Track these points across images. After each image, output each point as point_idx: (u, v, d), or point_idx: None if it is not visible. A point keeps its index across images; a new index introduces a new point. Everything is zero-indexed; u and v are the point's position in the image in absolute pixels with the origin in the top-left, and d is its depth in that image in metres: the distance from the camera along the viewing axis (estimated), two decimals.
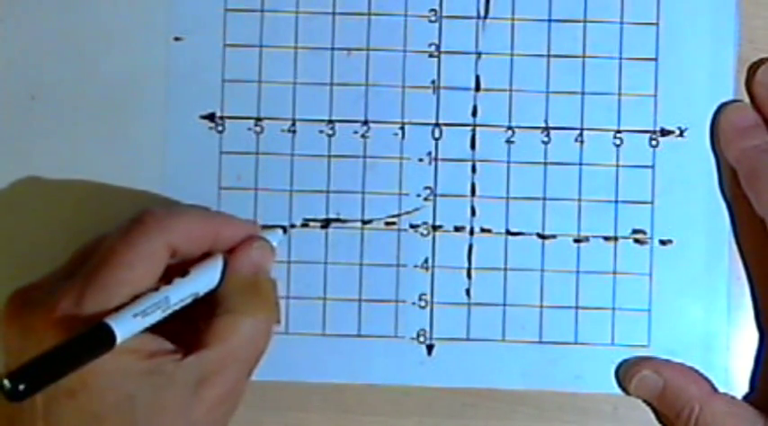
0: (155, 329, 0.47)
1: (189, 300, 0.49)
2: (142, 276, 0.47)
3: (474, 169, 0.55)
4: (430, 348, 0.55)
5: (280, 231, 0.54)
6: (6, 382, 0.42)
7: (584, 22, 0.55)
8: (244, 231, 0.51)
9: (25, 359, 0.43)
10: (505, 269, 0.55)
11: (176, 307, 0.48)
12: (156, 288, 0.48)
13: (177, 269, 0.49)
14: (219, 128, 0.55)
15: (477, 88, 0.55)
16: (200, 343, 0.48)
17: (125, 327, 0.45)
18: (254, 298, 0.50)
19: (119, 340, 0.45)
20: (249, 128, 0.55)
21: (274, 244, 0.52)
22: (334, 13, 0.55)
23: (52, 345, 0.44)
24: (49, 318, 0.46)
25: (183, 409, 0.47)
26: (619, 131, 0.55)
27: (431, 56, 0.55)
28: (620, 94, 0.55)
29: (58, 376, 0.43)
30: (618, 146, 0.55)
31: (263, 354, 0.50)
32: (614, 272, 0.54)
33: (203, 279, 0.49)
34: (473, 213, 0.55)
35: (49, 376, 0.43)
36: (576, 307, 0.55)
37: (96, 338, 0.45)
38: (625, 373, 0.54)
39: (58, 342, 0.44)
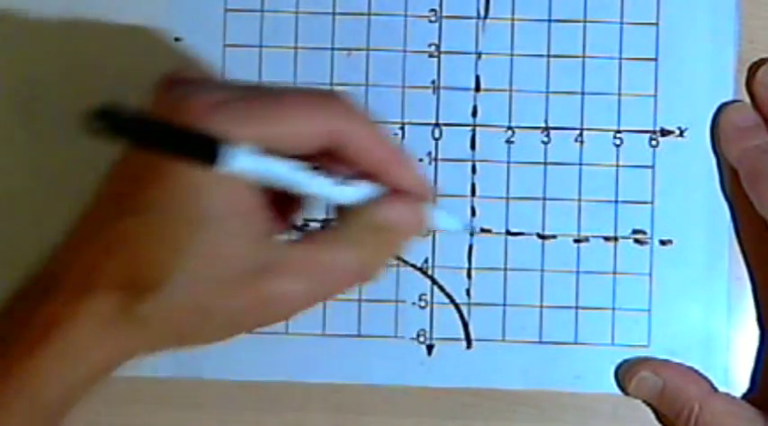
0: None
1: (323, 201, 0.46)
2: (301, 139, 0.43)
3: (474, 169, 0.55)
4: (430, 348, 0.55)
5: (459, 223, 0.51)
6: (94, 111, 0.40)
7: (584, 22, 0.55)
8: (418, 186, 0.46)
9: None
10: (505, 269, 0.55)
11: (305, 193, 0.44)
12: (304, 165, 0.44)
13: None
14: None
15: (477, 88, 0.55)
16: (307, 238, 0.45)
17: (241, 161, 0.42)
18: (379, 253, 0.45)
19: (222, 167, 0.41)
20: None
21: (445, 226, 0.49)
22: (334, 13, 0.55)
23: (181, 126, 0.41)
24: (200, 105, 0.42)
25: (238, 279, 0.43)
26: (619, 131, 0.55)
27: (431, 56, 0.55)
28: (620, 94, 0.55)
29: (139, 139, 0.41)
30: (618, 146, 0.55)
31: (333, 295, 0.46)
32: (614, 272, 0.55)
33: (350, 196, 0.45)
34: (473, 213, 0.55)
35: (134, 133, 0.41)
36: (576, 307, 0.55)
37: (202, 144, 0.41)
38: (624, 374, 0.54)
39: (180, 124, 0.41)
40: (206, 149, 0.42)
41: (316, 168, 0.44)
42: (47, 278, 0.45)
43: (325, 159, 0.44)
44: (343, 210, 0.45)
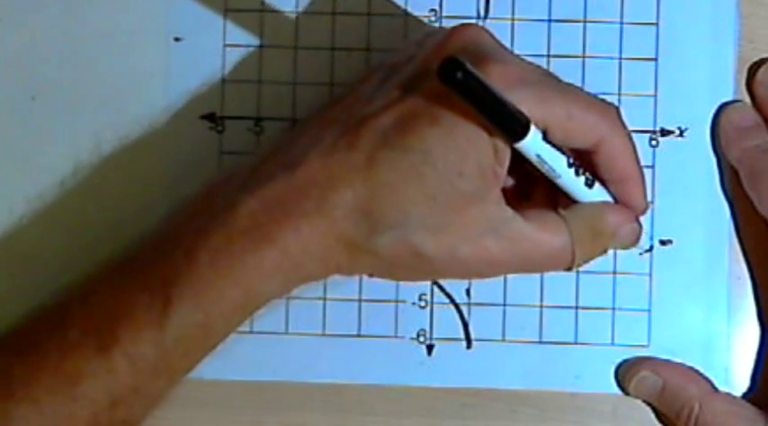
0: None
1: (568, 190, 0.49)
2: (582, 135, 0.48)
3: None
4: (430, 348, 0.55)
5: (648, 242, 0.54)
6: (451, 62, 0.42)
7: (584, 22, 0.55)
8: (642, 205, 0.51)
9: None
10: None
11: (560, 184, 0.48)
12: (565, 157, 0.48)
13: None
14: (219, 129, 0.55)
15: None
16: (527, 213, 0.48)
17: (534, 143, 0.46)
18: (591, 252, 0.50)
19: (522, 143, 0.45)
20: (249, 128, 0.55)
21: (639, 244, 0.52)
22: (334, 13, 0.55)
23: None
24: (507, 75, 0.46)
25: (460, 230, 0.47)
26: None
27: None
28: (620, 94, 0.55)
29: (472, 97, 0.43)
30: None
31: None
32: (614, 272, 0.54)
33: (593, 197, 0.49)
34: None
35: (470, 90, 0.43)
36: (576, 307, 0.55)
37: (514, 119, 0.45)
38: (624, 374, 0.54)
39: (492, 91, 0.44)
40: (515, 125, 0.45)
41: (572, 164, 0.48)
42: (281, 181, 0.46)
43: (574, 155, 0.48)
44: (570, 201, 0.49)
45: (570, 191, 0.49)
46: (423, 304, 0.55)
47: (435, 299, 0.55)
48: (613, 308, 0.54)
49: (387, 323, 0.55)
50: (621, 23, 0.55)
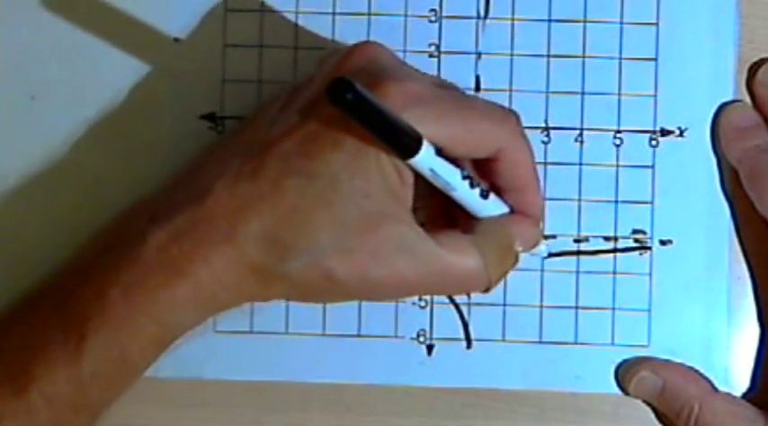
0: None
1: (463, 203, 0.49)
2: (480, 148, 0.48)
3: None
4: (430, 348, 0.55)
5: (546, 250, 0.54)
6: (340, 83, 0.42)
7: (584, 22, 0.55)
8: (540, 212, 0.51)
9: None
10: None
11: (455, 197, 0.48)
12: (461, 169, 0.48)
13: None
14: (219, 129, 0.55)
15: (477, 88, 0.55)
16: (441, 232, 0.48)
17: (427, 159, 0.46)
18: (502, 266, 0.50)
19: (414, 161, 0.45)
20: None
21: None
22: (334, 13, 0.55)
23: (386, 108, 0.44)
24: (399, 94, 0.46)
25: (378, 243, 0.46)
26: (619, 131, 0.55)
27: (431, 56, 0.55)
28: (620, 94, 0.55)
29: (362, 117, 0.43)
30: (618, 146, 0.55)
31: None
32: (614, 272, 0.54)
33: (488, 208, 0.49)
34: None
35: (360, 110, 0.43)
36: (576, 307, 0.55)
37: (405, 136, 0.45)
38: (624, 374, 0.54)
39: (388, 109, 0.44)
40: (407, 142, 0.45)
41: (466, 177, 0.48)
42: (172, 213, 0.47)
43: (469, 165, 0.49)
44: (472, 218, 0.49)
45: (465, 204, 0.49)
46: (423, 304, 0.55)
47: (435, 299, 0.55)
48: (613, 308, 0.54)
49: (387, 323, 0.55)
50: (621, 23, 0.55)
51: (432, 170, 0.46)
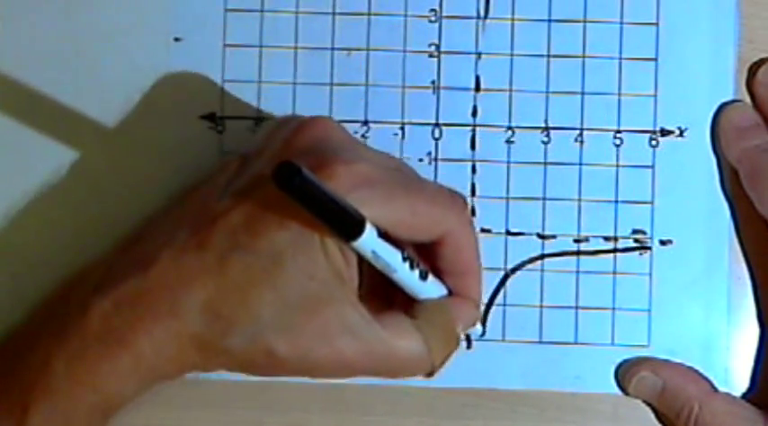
0: None
1: (403, 284, 0.49)
2: (424, 233, 0.48)
3: (474, 169, 0.55)
4: None
5: (480, 331, 0.54)
6: (286, 167, 0.42)
7: (584, 22, 0.55)
8: (479, 296, 0.52)
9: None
10: (505, 269, 0.55)
11: (394, 279, 0.48)
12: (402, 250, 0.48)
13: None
14: (219, 129, 0.55)
15: (477, 88, 0.55)
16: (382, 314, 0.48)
17: (369, 241, 0.45)
18: (446, 349, 0.50)
19: (358, 246, 0.45)
20: (249, 128, 0.55)
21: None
22: (334, 13, 0.55)
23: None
24: (347, 176, 0.46)
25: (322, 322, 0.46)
26: (619, 131, 0.55)
27: (431, 56, 0.55)
28: (620, 94, 0.55)
29: (307, 201, 0.43)
30: (618, 146, 0.55)
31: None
32: (614, 272, 0.54)
33: (427, 290, 0.49)
34: (473, 213, 0.55)
35: (304, 194, 0.43)
36: (576, 307, 0.55)
37: (353, 220, 0.45)
38: (624, 374, 0.54)
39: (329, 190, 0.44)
40: (351, 225, 0.45)
41: (406, 258, 0.48)
42: (117, 282, 0.46)
43: (410, 246, 0.49)
44: (411, 299, 0.49)
45: (405, 285, 0.49)
46: None
47: None
48: (613, 308, 0.54)
49: None
50: (621, 23, 0.55)
51: (374, 252, 0.46)
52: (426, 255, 0.50)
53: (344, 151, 0.47)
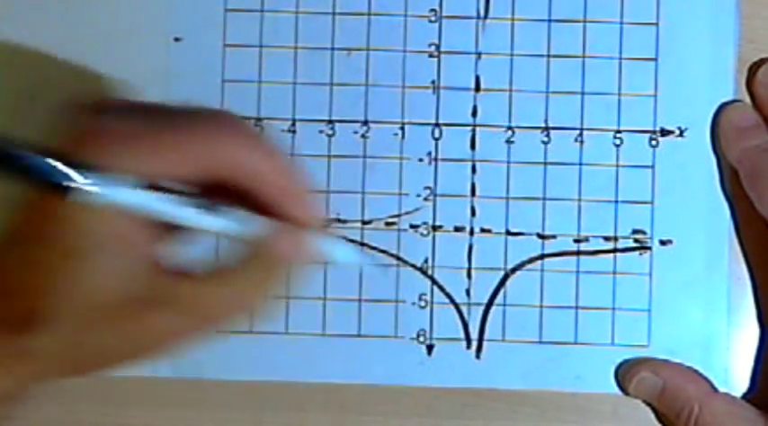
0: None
1: (206, 230, 0.44)
2: (183, 176, 0.43)
3: (474, 169, 0.55)
4: (430, 348, 0.55)
5: (357, 257, 0.51)
6: None
7: (584, 22, 0.55)
8: (309, 218, 0.45)
9: None
10: (505, 269, 0.55)
11: (187, 223, 0.43)
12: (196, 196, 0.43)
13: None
14: None
15: (477, 88, 0.55)
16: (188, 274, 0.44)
17: (120, 193, 0.42)
18: (263, 287, 0.45)
19: (74, 197, 0.42)
20: None
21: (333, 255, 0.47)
22: (334, 13, 0.55)
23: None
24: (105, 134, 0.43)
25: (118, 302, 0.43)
26: (619, 131, 0.55)
27: (431, 56, 0.55)
28: (620, 94, 0.55)
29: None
30: (618, 146, 0.55)
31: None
32: (614, 272, 0.54)
33: (222, 224, 0.44)
34: (473, 213, 0.55)
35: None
36: (576, 307, 0.55)
37: (48, 172, 0.42)
38: (624, 374, 0.54)
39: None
40: (53, 177, 0.42)
41: (191, 203, 0.43)
42: None
43: (219, 191, 0.44)
44: (234, 245, 0.44)
45: (205, 230, 0.44)
46: (423, 304, 0.55)
47: (435, 299, 0.55)
48: (613, 308, 0.54)
49: (387, 323, 0.55)
50: (621, 23, 0.55)
51: (135, 204, 0.42)
52: (236, 194, 0.44)
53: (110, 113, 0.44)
